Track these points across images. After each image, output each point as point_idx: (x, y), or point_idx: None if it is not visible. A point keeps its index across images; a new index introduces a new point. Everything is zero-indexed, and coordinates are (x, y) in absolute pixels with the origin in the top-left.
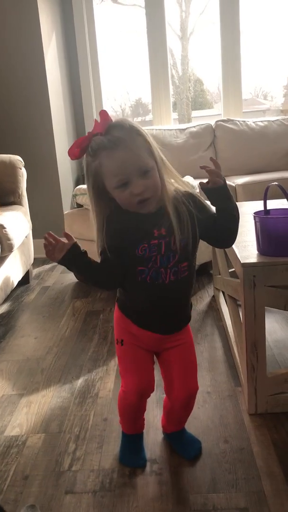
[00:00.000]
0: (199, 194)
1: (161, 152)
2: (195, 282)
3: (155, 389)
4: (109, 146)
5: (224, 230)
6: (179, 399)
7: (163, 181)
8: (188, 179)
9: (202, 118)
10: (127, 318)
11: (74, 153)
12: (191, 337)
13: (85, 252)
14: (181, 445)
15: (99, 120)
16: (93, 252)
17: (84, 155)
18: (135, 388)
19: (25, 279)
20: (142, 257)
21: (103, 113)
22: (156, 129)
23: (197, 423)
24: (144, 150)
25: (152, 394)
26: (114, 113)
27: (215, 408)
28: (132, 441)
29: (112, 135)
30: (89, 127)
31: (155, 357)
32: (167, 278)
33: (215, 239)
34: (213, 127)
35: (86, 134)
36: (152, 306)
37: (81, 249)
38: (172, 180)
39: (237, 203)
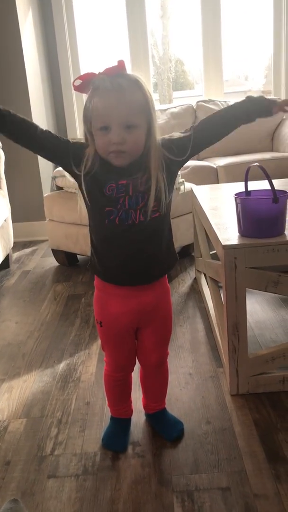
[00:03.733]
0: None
1: (157, 124)
2: (170, 231)
3: (136, 372)
4: (107, 87)
5: (221, 132)
6: (151, 365)
7: (154, 146)
8: None
9: (183, 99)
10: (105, 297)
11: (77, 82)
12: (169, 300)
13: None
14: (163, 427)
15: None
16: (83, 235)
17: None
18: (116, 363)
19: (5, 263)
20: (110, 197)
21: (121, 62)
22: None
23: (179, 404)
24: (139, 107)
25: (134, 377)
26: None
27: (197, 389)
28: (117, 425)
29: (115, 80)
30: (68, 108)
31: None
32: (137, 219)
33: (207, 143)
34: (194, 107)
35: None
36: (125, 250)
37: None
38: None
39: (218, 184)
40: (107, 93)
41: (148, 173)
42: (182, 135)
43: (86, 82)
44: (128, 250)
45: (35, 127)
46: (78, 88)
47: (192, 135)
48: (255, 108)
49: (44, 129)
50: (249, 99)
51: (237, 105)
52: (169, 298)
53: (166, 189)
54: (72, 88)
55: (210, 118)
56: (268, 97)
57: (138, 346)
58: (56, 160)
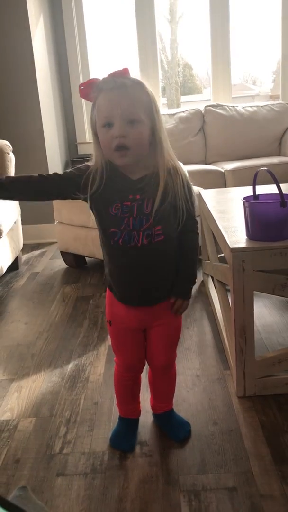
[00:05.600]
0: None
1: (164, 128)
2: (176, 250)
3: (144, 373)
4: (110, 86)
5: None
6: (159, 366)
7: (160, 146)
8: None
9: (191, 103)
10: (115, 299)
11: (83, 87)
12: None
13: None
14: (170, 427)
15: None
16: (91, 237)
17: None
18: (125, 363)
19: (15, 265)
20: (115, 217)
21: (126, 69)
22: None
23: (187, 406)
24: (142, 105)
25: (142, 378)
26: None
27: (204, 391)
28: (125, 425)
29: (118, 79)
30: (77, 111)
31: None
32: (140, 241)
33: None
34: (203, 112)
35: (75, 119)
36: (129, 272)
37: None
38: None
39: (226, 188)
40: (110, 90)
41: (155, 193)
42: (190, 206)
43: (91, 86)
44: (133, 272)
45: (32, 182)
46: (84, 94)
47: (183, 230)
48: (179, 282)
49: (44, 175)
50: (182, 279)
51: (182, 268)
52: None
53: (175, 214)
54: (79, 94)
55: (180, 249)
56: (189, 290)
57: (147, 347)
58: (68, 198)
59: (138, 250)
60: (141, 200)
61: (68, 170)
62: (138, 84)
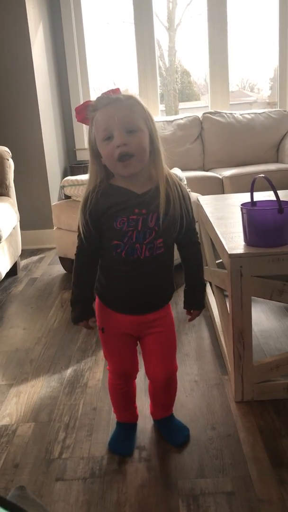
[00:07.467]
0: (189, 197)
1: (159, 137)
2: (173, 263)
3: (143, 379)
4: (105, 102)
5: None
6: (159, 380)
7: (158, 155)
8: (176, 171)
9: (189, 110)
10: (106, 307)
11: (78, 111)
12: (172, 321)
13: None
14: (169, 432)
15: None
16: None
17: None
18: (118, 370)
19: (13, 271)
20: (120, 231)
21: (117, 89)
22: None
23: (185, 411)
24: (138, 114)
25: (140, 383)
26: None
27: (202, 396)
28: (123, 430)
29: (112, 96)
30: (76, 118)
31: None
32: (143, 254)
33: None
34: (201, 119)
35: (74, 126)
36: (129, 283)
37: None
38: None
39: (224, 195)
40: (106, 106)
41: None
42: (189, 216)
43: (86, 108)
44: (133, 283)
45: (94, 266)
46: (80, 117)
47: (182, 239)
48: (192, 294)
49: (90, 256)
50: (195, 291)
51: (191, 280)
52: (170, 309)
53: (175, 225)
54: (76, 119)
55: (186, 261)
56: (202, 300)
57: (144, 360)
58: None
59: (140, 263)
60: (147, 214)
61: (83, 224)
62: (131, 98)
